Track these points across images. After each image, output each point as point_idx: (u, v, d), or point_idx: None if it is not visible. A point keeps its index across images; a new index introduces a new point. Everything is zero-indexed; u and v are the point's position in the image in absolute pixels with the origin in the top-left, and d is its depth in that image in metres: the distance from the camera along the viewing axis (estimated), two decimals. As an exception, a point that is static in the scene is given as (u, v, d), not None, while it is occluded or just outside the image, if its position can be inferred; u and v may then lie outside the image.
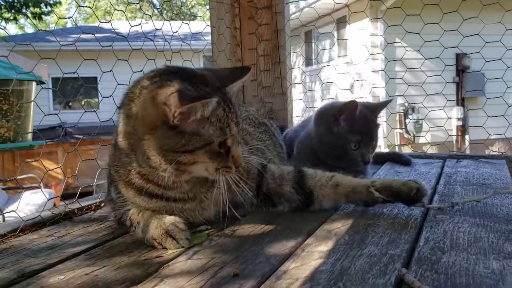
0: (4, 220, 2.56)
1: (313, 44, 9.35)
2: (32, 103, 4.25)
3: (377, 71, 7.14)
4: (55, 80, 7.90)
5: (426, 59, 2.81)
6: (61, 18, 2.56)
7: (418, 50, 2.87)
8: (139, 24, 1.84)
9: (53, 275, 0.91)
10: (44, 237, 1.18)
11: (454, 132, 7.81)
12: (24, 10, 9.39)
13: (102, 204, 1.49)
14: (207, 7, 2.31)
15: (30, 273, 0.92)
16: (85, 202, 1.51)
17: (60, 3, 10.70)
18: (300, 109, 6.54)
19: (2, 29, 4.38)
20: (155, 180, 1.08)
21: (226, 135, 1.02)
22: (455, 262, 0.84)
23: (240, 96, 2.37)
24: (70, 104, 12.02)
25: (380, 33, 7.19)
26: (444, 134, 6.82)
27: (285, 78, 2.34)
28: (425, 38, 2.25)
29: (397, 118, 7.88)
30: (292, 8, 8.97)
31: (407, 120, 7.84)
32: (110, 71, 1.64)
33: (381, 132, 1.62)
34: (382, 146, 6.73)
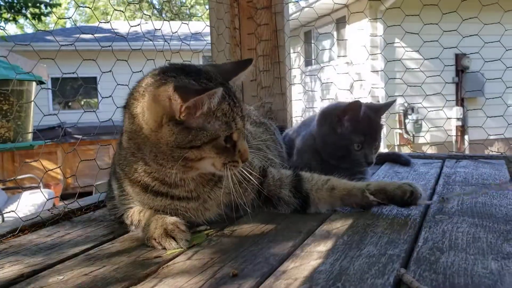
0: (3, 220, 2.56)
1: (312, 44, 9.35)
2: (32, 103, 4.25)
3: (377, 71, 7.15)
4: (54, 80, 7.90)
5: (425, 59, 2.81)
6: (60, 18, 2.56)
7: (418, 51, 2.88)
8: (138, 24, 1.84)
9: (52, 275, 0.91)
10: (43, 237, 1.18)
11: (453, 132, 7.81)
12: (23, 11, 9.39)
13: (102, 204, 1.49)
14: (207, 7, 2.31)
15: (30, 273, 0.92)
16: (84, 202, 1.51)
17: (59, 4, 10.70)
18: (300, 110, 6.55)
19: (1, 29, 4.37)
20: (161, 178, 1.08)
21: (232, 129, 1.02)
22: (453, 262, 0.84)
23: (240, 96, 2.36)
24: (70, 104, 12.02)
25: (380, 33, 7.20)
26: (444, 134, 6.82)
27: (284, 78, 2.34)
28: (425, 39, 2.25)
29: (397, 118, 7.88)
30: (293, 7, 8.96)
31: (406, 120, 7.84)
32: (110, 71, 1.64)
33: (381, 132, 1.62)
34: (381, 146, 6.73)
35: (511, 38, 2.65)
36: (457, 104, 8.06)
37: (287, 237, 1.05)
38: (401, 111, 7.72)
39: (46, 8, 9.88)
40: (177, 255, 0.98)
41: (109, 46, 1.74)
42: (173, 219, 1.07)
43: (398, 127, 7.78)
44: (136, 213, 1.14)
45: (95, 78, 8.83)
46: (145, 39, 1.94)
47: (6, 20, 9.67)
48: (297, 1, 8.49)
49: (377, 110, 1.52)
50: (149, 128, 1.01)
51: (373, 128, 1.48)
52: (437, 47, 2.29)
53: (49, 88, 8.17)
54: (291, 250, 0.96)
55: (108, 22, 2.12)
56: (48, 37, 9.49)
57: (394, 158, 2.04)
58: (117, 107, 1.22)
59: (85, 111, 1.78)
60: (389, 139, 7.67)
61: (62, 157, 5.94)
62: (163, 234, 1.02)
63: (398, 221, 1.12)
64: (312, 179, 1.24)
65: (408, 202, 1.16)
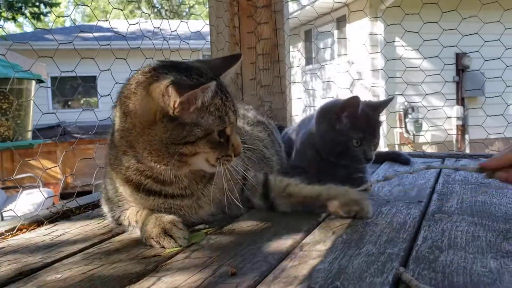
0: (2, 219, 2.56)
1: (313, 43, 9.35)
2: (31, 102, 4.24)
3: (377, 70, 7.14)
4: (54, 79, 7.89)
5: (425, 58, 2.81)
6: (59, 17, 2.56)
7: (418, 49, 2.88)
8: (137, 23, 1.84)
9: (50, 273, 0.90)
10: (42, 236, 1.17)
11: (454, 132, 7.81)
12: (23, 10, 9.39)
13: (100, 204, 1.49)
14: (206, 5, 2.30)
15: (28, 271, 0.92)
16: (83, 201, 1.51)
17: (59, 4, 10.69)
18: (300, 108, 6.54)
19: (0, 27, 4.37)
20: (154, 176, 1.08)
21: (226, 123, 1.02)
22: (452, 261, 0.84)
23: (239, 95, 2.36)
24: (69, 103, 12.02)
25: (380, 32, 7.19)
26: (444, 133, 6.82)
27: (284, 77, 2.34)
28: (425, 37, 2.25)
29: (397, 117, 7.88)
30: (294, 6, 8.96)
31: (406, 120, 7.84)
32: (108, 69, 1.63)
33: (381, 131, 1.61)
34: (381, 145, 6.73)
35: (511, 37, 2.65)
36: (457, 103, 8.05)
37: (286, 236, 1.04)
38: (401, 110, 7.72)
39: (45, 8, 9.88)
40: (175, 254, 0.97)
41: (108, 45, 1.73)
42: (170, 217, 1.07)
43: (398, 126, 7.78)
44: (133, 214, 1.14)
45: (94, 77, 8.82)
46: (144, 37, 1.93)
47: (6, 19, 9.67)
48: (297, 0, 8.48)
49: (375, 108, 1.52)
50: (142, 126, 1.00)
51: (372, 125, 1.47)
52: (437, 46, 2.28)
53: (48, 87, 8.17)
54: (290, 249, 0.96)
55: (107, 21, 2.11)
56: (47, 36, 9.49)
57: (394, 157, 2.04)
58: (112, 107, 1.21)
59: (83, 110, 1.78)
60: (389, 138, 7.67)
61: (62, 156, 5.93)
62: (161, 233, 1.02)
63: (398, 220, 1.12)
64: (275, 186, 1.27)
65: (354, 216, 1.17)
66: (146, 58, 1.76)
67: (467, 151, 6.85)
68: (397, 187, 1.53)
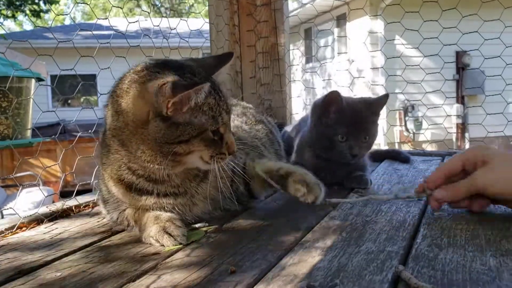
0: (2, 217, 2.56)
1: (313, 41, 9.34)
2: (31, 100, 4.24)
3: (377, 68, 7.14)
4: (53, 78, 7.88)
5: (425, 56, 2.81)
6: (58, 15, 2.55)
7: (418, 47, 2.87)
8: (137, 21, 1.84)
9: (50, 272, 0.90)
10: (41, 234, 1.18)
11: (454, 130, 7.82)
12: (22, 7, 9.37)
13: (98, 203, 1.49)
14: (206, 4, 2.30)
15: (27, 270, 0.92)
16: (82, 199, 1.51)
17: (57, 1, 10.67)
18: (300, 107, 6.54)
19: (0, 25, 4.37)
20: (146, 175, 1.07)
21: (219, 124, 1.02)
22: (452, 259, 0.84)
23: (239, 93, 2.36)
24: (69, 101, 12.01)
25: (380, 30, 7.19)
26: (444, 132, 6.82)
27: (284, 75, 2.33)
28: (425, 35, 2.24)
29: (397, 115, 7.88)
30: (294, 4, 8.94)
31: (406, 118, 7.84)
32: (108, 68, 1.63)
33: (380, 129, 1.60)
34: (381, 144, 6.74)
35: (511, 35, 2.64)
36: (457, 102, 8.06)
37: (286, 234, 1.04)
38: (402, 109, 7.72)
39: (45, 5, 9.86)
40: (175, 252, 0.97)
41: (108, 43, 1.73)
42: (168, 215, 1.07)
43: (398, 124, 7.78)
44: (131, 215, 1.13)
45: (94, 75, 8.81)
46: (145, 36, 1.93)
47: (6, 17, 9.65)
48: (296, -2, 8.47)
49: (369, 104, 1.50)
50: (134, 125, 1.00)
51: (360, 121, 1.45)
52: (437, 44, 2.28)
53: (47, 85, 8.15)
54: (289, 247, 0.96)
55: (106, 19, 2.11)
56: (47, 34, 9.48)
57: (394, 155, 2.04)
58: (104, 106, 1.20)
59: (83, 108, 1.78)
60: (389, 137, 7.67)
61: (62, 154, 5.93)
62: (160, 231, 1.02)
63: (397, 218, 1.12)
64: (248, 170, 1.25)
65: (301, 196, 1.16)
66: (146, 56, 1.76)
67: (467, 149, 6.84)
68: (397, 185, 1.53)
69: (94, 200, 1.49)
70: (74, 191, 1.51)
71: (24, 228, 1.25)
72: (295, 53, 9.36)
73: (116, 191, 1.13)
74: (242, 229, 1.12)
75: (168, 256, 0.95)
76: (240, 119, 1.62)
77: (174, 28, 1.94)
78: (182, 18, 2.19)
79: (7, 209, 2.00)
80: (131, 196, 1.11)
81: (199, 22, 2.38)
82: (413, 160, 1.99)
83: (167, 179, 1.08)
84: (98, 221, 1.28)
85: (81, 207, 1.46)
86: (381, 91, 7.24)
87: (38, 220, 1.30)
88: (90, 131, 1.62)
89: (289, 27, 2.42)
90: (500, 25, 2.18)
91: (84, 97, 12.48)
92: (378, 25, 7.47)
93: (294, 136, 1.78)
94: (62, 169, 5.74)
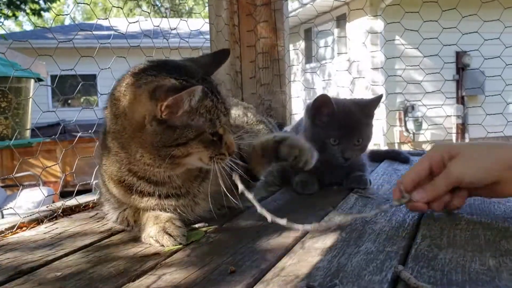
0: (3, 217, 2.56)
1: (312, 42, 9.34)
2: (30, 100, 4.24)
3: (377, 68, 7.14)
4: (54, 78, 7.88)
5: (425, 56, 2.81)
6: (58, 15, 2.55)
7: (417, 48, 2.88)
8: (137, 21, 1.84)
9: (50, 272, 0.90)
10: (41, 234, 1.18)
11: (453, 130, 7.82)
12: (23, 6, 9.37)
13: (98, 203, 1.49)
14: (206, 5, 2.30)
15: (27, 269, 0.92)
16: (82, 199, 1.51)
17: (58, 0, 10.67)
18: (300, 107, 6.54)
19: (0, 25, 4.37)
20: (147, 177, 1.07)
21: (216, 127, 1.01)
22: (451, 259, 0.84)
23: (239, 93, 2.36)
24: (69, 102, 12.02)
25: (380, 30, 7.19)
26: (444, 132, 6.83)
27: (284, 76, 2.34)
28: (424, 36, 2.25)
29: (397, 116, 7.88)
30: (294, 4, 8.95)
31: (406, 118, 7.84)
32: (108, 68, 1.63)
33: (380, 129, 1.60)
34: (381, 144, 6.74)
35: (511, 36, 2.65)
36: (457, 102, 8.06)
37: (285, 234, 1.05)
38: (401, 109, 7.72)
39: (45, 4, 9.86)
40: (175, 252, 0.98)
41: (108, 43, 1.73)
42: (167, 215, 1.07)
43: (398, 124, 7.78)
44: (131, 215, 1.14)
45: (94, 75, 8.82)
46: (144, 36, 1.93)
47: (6, 16, 9.65)
48: (297, -2, 8.47)
49: (363, 106, 1.49)
50: (132, 129, 0.99)
51: (353, 123, 1.44)
52: (437, 44, 2.28)
53: (47, 85, 8.16)
54: (289, 247, 0.96)
55: (106, 19, 2.11)
56: (47, 34, 9.48)
57: (394, 156, 2.04)
58: (103, 108, 1.20)
59: (83, 108, 1.78)
60: (389, 137, 7.68)
61: (62, 154, 5.95)
62: (159, 231, 1.02)
63: (397, 219, 1.12)
64: (246, 152, 1.27)
65: (293, 159, 1.20)
66: (146, 57, 1.76)
67: (467, 149, 6.83)
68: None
69: (94, 200, 1.49)
70: (74, 191, 1.51)
71: (24, 228, 1.25)
72: (295, 53, 9.37)
73: (117, 192, 1.13)
74: (241, 229, 1.12)
75: (168, 256, 0.95)
76: (241, 119, 1.62)
77: (174, 28, 1.95)
78: (182, 18, 2.19)
79: (7, 209, 2.00)
80: (132, 198, 1.11)
81: (199, 22, 2.39)
82: (412, 160, 1.99)
83: (168, 181, 1.08)
84: (98, 221, 1.28)
85: (81, 207, 1.46)
86: (381, 91, 7.24)
87: (38, 220, 1.30)
88: (90, 131, 1.62)
89: (289, 27, 2.43)
90: (500, 26, 2.18)
91: (84, 97, 12.48)
92: (378, 25, 7.47)
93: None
94: (62, 169, 5.75)
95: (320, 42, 9.42)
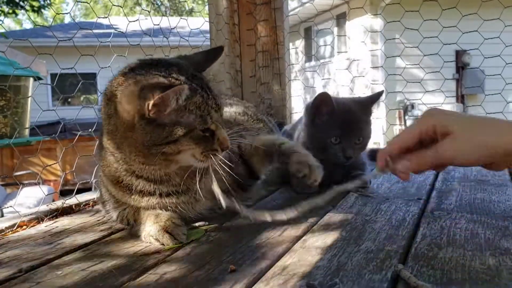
0: (2, 215, 2.56)
1: (312, 40, 9.33)
2: (30, 99, 4.23)
3: (377, 67, 7.14)
4: (54, 76, 7.88)
5: (425, 55, 2.80)
6: (58, 14, 2.55)
7: (417, 47, 2.88)
8: (137, 20, 1.84)
9: (50, 270, 0.91)
10: (41, 233, 1.18)
11: (453, 129, 7.80)
12: (22, 4, 9.34)
13: (98, 202, 1.49)
14: (206, 4, 2.30)
15: (27, 268, 0.92)
16: (82, 198, 1.51)
17: (57, -4, 10.63)
18: (300, 106, 6.54)
19: (0, 23, 4.36)
20: (145, 176, 1.07)
21: (207, 123, 1.01)
22: (451, 258, 0.84)
23: (239, 92, 2.36)
24: (69, 100, 12.01)
25: (380, 29, 7.18)
26: (443, 131, 6.82)
27: (283, 74, 2.33)
28: (424, 35, 2.24)
29: (396, 114, 7.88)
30: (294, 3, 8.93)
31: (406, 117, 7.84)
32: (108, 66, 1.63)
33: (380, 128, 1.60)
34: (381, 143, 6.73)
35: (511, 35, 2.64)
36: (457, 101, 8.06)
37: (286, 233, 1.05)
38: (401, 108, 7.72)
39: (44, 1, 9.83)
40: (175, 251, 0.98)
41: (108, 42, 1.73)
42: (167, 214, 1.07)
43: (398, 123, 7.78)
44: (130, 214, 1.14)
45: (94, 74, 8.80)
46: (144, 35, 1.93)
47: (6, 14, 9.62)
48: (297, -3, 8.47)
49: (363, 104, 1.49)
50: (123, 128, 1.00)
51: (353, 122, 1.44)
52: (437, 43, 2.28)
53: (47, 84, 8.15)
54: (289, 246, 0.96)
55: (106, 18, 2.10)
56: (47, 33, 9.46)
57: (393, 155, 2.03)
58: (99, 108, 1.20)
59: (83, 107, 1.78)
60: (388, 136, 7.66)
61: (62, 153, 5.95)
62: (160, 230, 1.02)
63: (397, 217, 1.13)
64: (245, 149, 1.29)
65: (302, 177, 1.21)
66: (146, 56, 1.76)
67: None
68: (396, 184, 1.53)
69: (94, 198, 1.49)
70: (74, 190, 1.51)
71: (24, 227, 1.25)
72: (295, 52, 9.36)
73: (116, 192, 1.13)
74: (242, 228, 1.12)
75: (168, 255, 0.95)
76: (241, 118, 1.62)
77: (174, 27, 1.94)
78: (182, 17, 2.18)
79: (8, 207, 2.00)
80: (132, 199, 1.11)
81: (199, 21, 2.38)
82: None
83: (167, 179, 1.08)
84: (98, 220, 1.28)
85: (81, 205, 1.46)
86: (381, 90, 7.24)
87: (38, 219, 1.30)
88: (90, 130, 1.62)
89: (289, 26, 2.42)
90: (500, 25, 2.18)
91: (84, 96, 12.47)
92: (378, 24, 7.46)
93: (292, 135, 1.78)
94: (62, 167, 5.75)
95: (320, 41, 9.41)
